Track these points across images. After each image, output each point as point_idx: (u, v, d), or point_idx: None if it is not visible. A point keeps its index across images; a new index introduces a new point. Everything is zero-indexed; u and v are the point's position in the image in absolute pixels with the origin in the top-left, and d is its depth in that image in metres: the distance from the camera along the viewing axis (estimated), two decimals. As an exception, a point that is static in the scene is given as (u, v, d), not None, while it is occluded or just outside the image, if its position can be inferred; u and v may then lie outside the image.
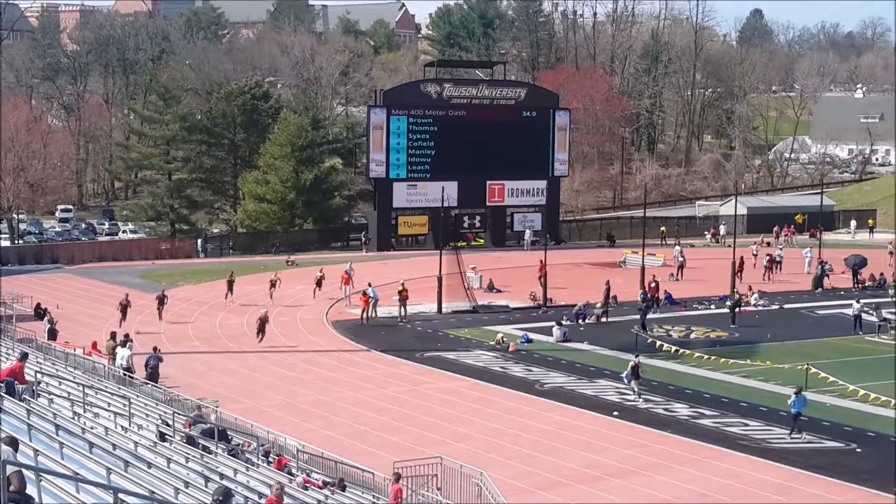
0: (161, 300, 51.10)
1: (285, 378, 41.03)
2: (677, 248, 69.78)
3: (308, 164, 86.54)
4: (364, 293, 51.74)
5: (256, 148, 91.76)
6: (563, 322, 49.02)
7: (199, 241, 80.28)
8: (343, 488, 23.96)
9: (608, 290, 53.74)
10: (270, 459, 25.99)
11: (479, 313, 54.71)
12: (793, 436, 33.14)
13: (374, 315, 51.73)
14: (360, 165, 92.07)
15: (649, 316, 51.72)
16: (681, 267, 64.83)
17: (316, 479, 24.44)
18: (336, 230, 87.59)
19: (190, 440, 24.32)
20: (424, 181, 76.20)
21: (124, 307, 48.85)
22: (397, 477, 24.37)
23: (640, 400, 37.12)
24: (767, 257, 66.28)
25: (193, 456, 21.15)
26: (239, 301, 55.81)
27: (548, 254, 57.72)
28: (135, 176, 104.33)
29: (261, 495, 18.74)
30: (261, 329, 46.14)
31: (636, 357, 38.60)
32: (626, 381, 37.70)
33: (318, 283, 56.68)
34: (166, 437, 23.51)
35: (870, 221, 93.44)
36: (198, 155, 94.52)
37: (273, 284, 55.39)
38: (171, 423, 25.55)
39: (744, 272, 59.14)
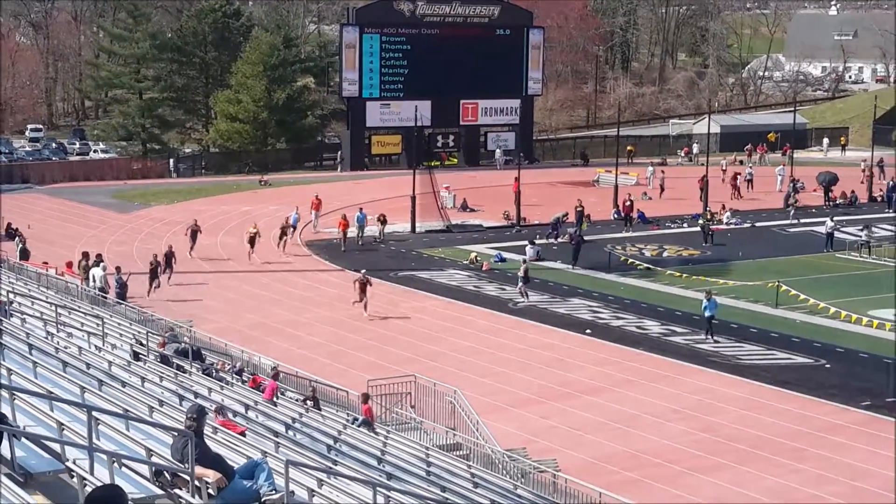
0: (194, 233, 47.13)
1: (259, 298, 41.00)
2: (650, 168, 69.88)
3: (280, 83, 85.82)
4: (343, 217, 50.76)
5: (228, 67, 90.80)
6: (536, 241, 49.09)
7: (172, 160, 79.83)
8: (317, 405, 24.04)
9: (581, 209, 53.67)
10: (245, 378, 26.03)
11: (453, 233, 54.72)
12: (706, 338, 34.43)
13: (360, 236, 51.05)
14: (333, 84, 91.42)
15: (623, 234, 51.96)
16: (662, 187, 64.84)
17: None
18: (309, 150, 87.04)
19: (164, 359, 24.32)
20: (398, 100, 75.68)
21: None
22: (366, 397, 24.45)
23: (528, 301, 39.52)
24: (734, 175, 66.34)
25: (167, 375, 21.15)
26: (218, 227, 55.48)
27: (521, 173, 57.58)
28: (105, 95, 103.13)
29: (235, 413, 18.78)
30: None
31: (524, 262, 41.53)
32: (519, 283, 39.92)
33: (252, 242, 47.41)
34: (140, 356, 23.49)
35: (842, 139, 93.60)
36: (169, 74, 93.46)
37: (252, 241, 47.34)
38: (144, 342, 25.52)
39: (708, 189, 58.82)
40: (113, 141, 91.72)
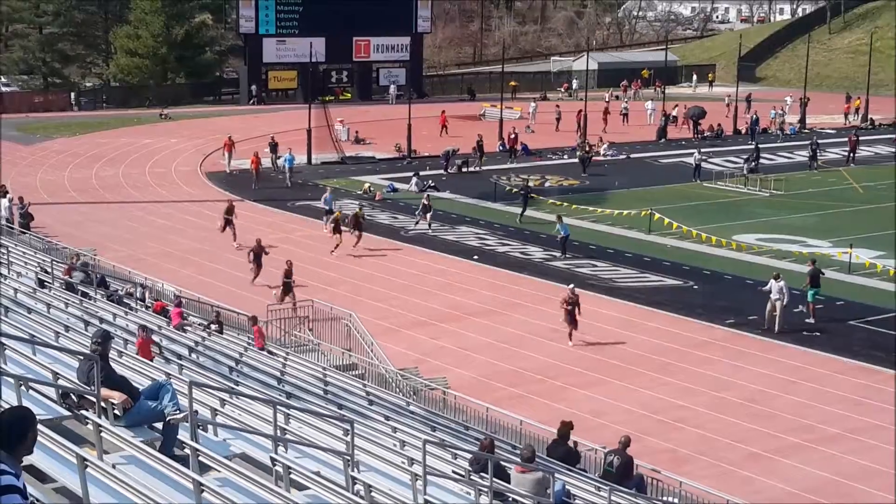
0: (228, 217, 37.77)
1: (161, 227, 40.41)
2: (532, 104, 70.17)
3: (179, 19, 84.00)
4: (255, 154, 48.60)
5: (127, 2, 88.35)
6: (421, 174, 49.05)
7: (73, 94, 77.90)
8: (221, 329, 23.88)
9: (480, 143, 53.82)
10: (148, 304, 25.72)
11: (347, 164, 54.45)
12: (561, 257, 35.80)
13: (289, 178, 48.41)
14: (231, 21, 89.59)
15: (508, 165, 52.23)
16: (558, 119, 65.14)
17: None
18: (208, 85, 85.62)
19: (69, 287, 23.90)
20: (293, 37, 74.66)
21: (258, 255, 34.07)
22: (254, 319, 24.29)
23: (431, 230, 39.83)
24: (605, 109, 66.90)
25: (73, 301, 20.80)
26: (120, 159, 54.34)
27: (412, 107, 57.37)
28: (6, 30, 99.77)
29: (161, 348, 18.58)
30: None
31: (426, 194, 42.25)
32: (418, 215, 40.30)
33: (337, 228, 37.02)
34: (45, 283, 23.06)
35: (710, 76, 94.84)
36: (68, 9, 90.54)
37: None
38: (49, 270, 25.03)
39: (586, 123, 59.23)
40: (14, 75, 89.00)
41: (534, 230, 39.93)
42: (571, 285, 29.00)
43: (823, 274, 30.75)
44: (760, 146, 54.42)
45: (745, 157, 52.43)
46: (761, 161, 52.04)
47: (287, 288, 29.92)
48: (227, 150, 51.41)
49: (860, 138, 57.83)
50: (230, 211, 37.43)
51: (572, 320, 27.76)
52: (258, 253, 32.55)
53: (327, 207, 39.87)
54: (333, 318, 27.12)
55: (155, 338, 18.59)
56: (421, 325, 29.14)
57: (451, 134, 60.92)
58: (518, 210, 41.81)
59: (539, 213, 42.94)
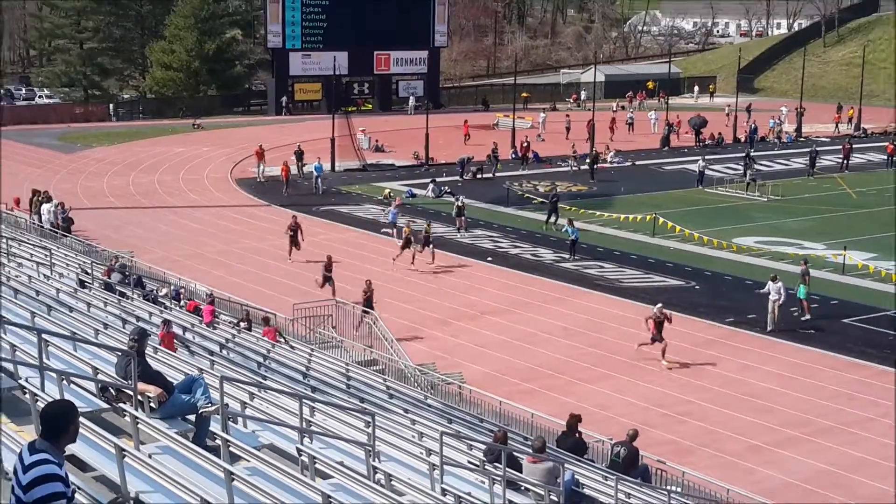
0: (294, 232, 35.64)
1: (194, 231, 40.51)
2: (542, 114, 70.09)
3: (210, 34, 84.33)
4: (285, 163, 48.58)
5: (162, 19, 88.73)
6: (437, 180, 49.02)
7: (111, 105, 78.25)
8: (250, 327, 23.91)
9: (495, 150, 53.95)
10: (182, 303, 25.78)
11: (368, 171, 54.51)
12: (570, 259, 35.69)
13: (318, 186, 47.99)
14: (259, 36, 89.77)
15: (520, 172, 52.19)
16: (568, 128, 65.06)
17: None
18: (237, 96, 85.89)
19: (108, 287, 23.97)
20: (318, 51, 74.80)
21: (294, 234, 35.55)
22: (266, 320, 24.23)
23: (462, 232, 39.78)
24: (612, 119, 66.77)
25: (111, 301, 20.86)
26: (155, 167, 54.42)
27: (429, 117, 57.36)
28: (49, 45, 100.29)
29: (174, 335, 18.61)
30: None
31: (460, 198, 41.79)
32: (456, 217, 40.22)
33: (407, 243, 35.02)
34: (86, 284, 23.12)
35: (710, 87, 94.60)
36: (107, 25, 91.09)
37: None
38: (89, 271, 25.11)
39: (594, 132, 59.09)
40: (56, 87, 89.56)
41: (544, 233, 39.83)
42: (659, 304, 26.79)
43: (808, 275, 30.52)
44: (753, 154, 54.10)
45: (742, 164, 52.17)
46: (757, 167, 51.74)
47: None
48: (258, 159, 50.98)
49: (853, 146, 57.61)
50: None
51: (660, 338, 25.95)
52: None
53: (391, 220, 38.23)
54: (355, 317, 27.13)
55: (189, 335, 18.63)
56: (438, 323, 29.12)
57: (472, 142, 60.88)
58: (537, 216, 41.88)
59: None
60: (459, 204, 40.45)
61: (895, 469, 20.01)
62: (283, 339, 23.15)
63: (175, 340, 17.46)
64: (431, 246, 34.88)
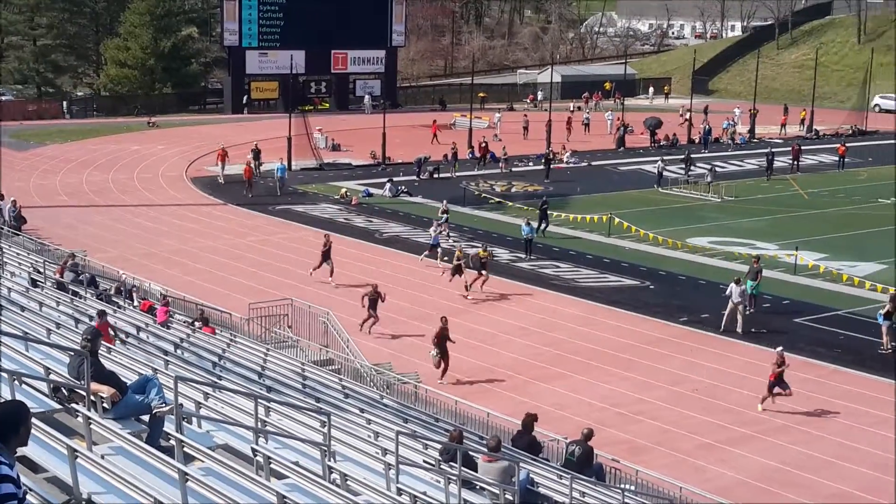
0: (326, 253, 33.08)
1: (149, 230, 40.19)
2: (498, 114, 70.27)
3: (166, 32, 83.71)
4: (248, 164, 48.19)
5: (117, 16, 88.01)
6: (394, 179, 48.99)
7: (65, 103, 77.44)
8: (206, 322, 23.77)
9: (455, 151, 54.03)
10: (136, 303, 25.58)
11: (325, 170, 54.37)
12: (526, 258, 35.57)
13: (280, 187, 47.45)
14: (215, 34, 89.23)
15: (476, 172, 52.29)
16: (526, 128, 65.33)
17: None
18: (193, 94, 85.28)
19: (60, 286, 23.74)
20: (274, 49, 74.53)
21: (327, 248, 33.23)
22: (205, 321, 23.96)
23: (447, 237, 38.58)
24: (568, 119, 67.11)
25: (64, 300, 20.66)
26: (110, 164, 53.89)
27: (386, 116, 57.34)
28: (1, 42, 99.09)
29: (128, 335, 18.48)
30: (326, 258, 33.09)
31: (444, 203, 40.48)
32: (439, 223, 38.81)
33: (459, 270, 32.16)
34: (38, 283, 22.89)
35: (665, 88, 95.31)
36: (61, 22, 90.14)
37: (326, 254, 33.04)
38: (42, 270, 24.85)
39: (551, 132, 59.33)
40: (9, 84, 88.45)
41: (500, 232, 39.93)
42: (780, 348, 24.16)
43: (761, 272, 30.84)
44: (694, 155, 54.49)
45: (683, 165, 52.34)
46: (713, 167, 52.13)
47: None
48: (221, 160, 50.42)
49: (802, 147, 58.29)
50: (326, 245, 32.66)
51: (779, 383, 23.29)
52: (374, 299, 28.18)
53: (433, 243, 35.37)
54: (311, 316, 27.05)
55: (143, 335, 18.50)
56: (394, 322, 29.08)
57: (441, 141, 60.80)
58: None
59: (505, 216, 43.01)
60: (443, 208, 39.53)
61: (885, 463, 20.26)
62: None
63: (110, 331, 17.39)
64: (485, 272, 31.93)
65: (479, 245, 34.58)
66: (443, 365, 24.91)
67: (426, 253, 35.27)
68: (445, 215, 39.13)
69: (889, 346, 27.09)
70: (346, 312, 28.51)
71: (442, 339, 24.98)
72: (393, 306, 30.40)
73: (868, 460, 20.95)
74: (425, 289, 32.44)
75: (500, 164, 54.07)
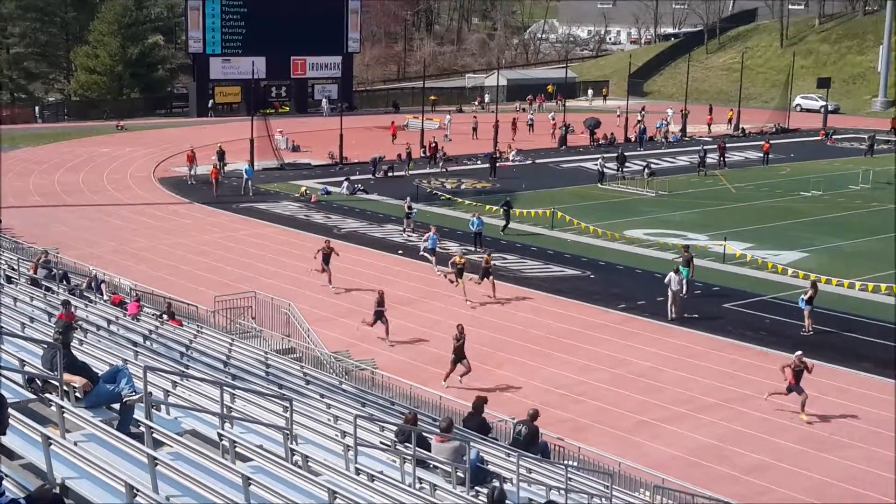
0: (326, 256, 31.43)
1: (118, 228, 39.80)
2: (448, 116, 70.30)
3: (133, 40, 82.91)
4: (214, 166, 47.85)
5: (86, 25, 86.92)
6: (351, 178, 48.87)
7: (37, 108, 76.42)
8: (172, 315, 23.60)
9: (409, 151, 54.01)
10: (106, 297, 25.34)
11: (286, 170, 54.14)
12: (475, 251, 35.22)
13: (247, 188, 46.73)
14: (181, 42, 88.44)
15: (428, 170, 52.32)
16: (475, 129, 65.46)
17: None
18: (160, 99, 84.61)
19: (34, 282, 23.46)
20: (237, 56, 74.03)
21: (326, 255, 31.49)
22: (171, 314, 23.81)
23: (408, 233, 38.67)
24: (513, 120, 67.35)
25: (37, 295, 20.42)
26: (80, 166, 53.28)
27: (343, 119, 57.18)
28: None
29: (99, 327, 18.30)
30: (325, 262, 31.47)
31: (408, 200, 40.28)
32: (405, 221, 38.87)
33: (460, 274, 30.70)
34: (12, 279, 22.60)
35: (604, 90, 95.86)
36: (33, 31, 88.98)
37: (326, 259, 31.41)
38: (16, 267, 24.55)
39: (497, 132, 59.45)
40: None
41: (451, 227, 39.98)
42: (799, 352, 22.65)
43: (693, 259, 31.18)
44: (627, 153, 54.87)
45: (616, 163, 52.55)
46: (627, 165, 52.40)
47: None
48: (190, 161, 49.73)
49: (727, 145, 58.94)
50: (326, 254, 30.98)
51: (800, 389, 22.09)
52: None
53: (432, 247, 33.79)
54: (274, 308, 26.96)
55: (113, 328, 18.33)
56: (351, 312, 29.03)
57: (388, 143, 60.74)
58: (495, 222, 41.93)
59: (455, 211, 43.05)
60: (407, 206, 39.27)
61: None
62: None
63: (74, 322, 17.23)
64: (491, 277, 30.69)
65: (485, 252, 33.13)
66: (454, 368, 23.55)
67: (434, 263, 33.47)
68: (412, 212, 39.06)
69: (811, 329, 27.50)
70: (307, 304, 28.44)
71: (459, 348, 23.56)
72: (349, 296, 30.40)
73: (789, 434, 21.29)
74: (380, 280, 32.37)
75: (439, 164, 54.10)
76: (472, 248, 36.18)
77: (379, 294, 26.88)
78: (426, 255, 33.96)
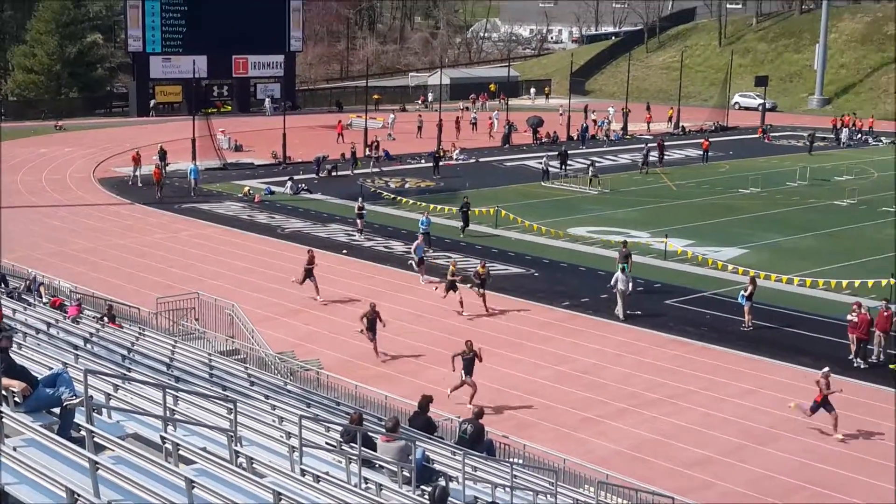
0: (309, 269, 30.17)
1: (57, 229, 39.22)
2: (392, 115, 70.29)
3: (72, 38, 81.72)
4: (157, 166, 47.31)
5: (23, 24, 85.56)
6: (295, 178, 48.64)
7: (-27, 108, 75.09)
8: (112, 318, 23.32)
9: (353, 150, 53.84)
10: (45, 300, 24.97)
11: (229, 170, 53.72)
12: (425, 249, 34.71)
13: (194, 188, 46.51)
14: (120, 41, 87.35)
15: (370, 170, 52.27)
16: (420, 127, 65.49)
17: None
18: (99, 98, 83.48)
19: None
20: (178, 55, 73.21)
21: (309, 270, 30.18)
22: (112, 317, 23.54)
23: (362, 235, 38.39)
24: (457, 118, 67.53)
25: (-25, 300, 20.05)
26: (17, 167, 52.44)
27: (286, 118, 56.89)
28: None
29: (38, 331, 18.03)
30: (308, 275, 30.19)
31: (360, 200, 39.77)
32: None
33: (453, 287, 29.35)
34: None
35: (546, 89, 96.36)
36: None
37: (309, 270, 30.12)
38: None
39: (441, 131, 59.54)
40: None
41: (395, 226, 39.94)
42: (826, 368, 21.58)
43: (631, 256, 31.50)
44: (570, 151, 55.29)
45: (558, 161, 52.82)
46: (569, 163, 52.76)
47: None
48: (135, 162, 49.05)
49: (665, 143, 59.61)
50: (311, 262, 30.18)
51: (830, 408, 21.03)
52: (372, 319, 25.51)
53: (418, 257, 32.81)
54: (217, 309, 26.74)
55: (52, 331, 18.06)
56: (296, 312, 28.94)
57: (328, 142, 60.50)
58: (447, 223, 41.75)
59: (399, 210, 43.03)
60: (359, 207, 38.75)
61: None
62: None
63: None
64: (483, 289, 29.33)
65: (480, 262, 31.41)
66: (463, 383, 22.45)
67: (421, 272, 32.46)
68: (364, 212, 38.87)
69: (750, 324, 27.91)
70: (250, 305, 28.25)
71: (469, 359, 22.42)
72: (293, 296, 30.24)
73: (730, 428, 21.59)
74: (324, 280, 32.23)
75: (371, 164, 53.90)
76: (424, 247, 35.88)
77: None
78: (413, 264, 33.21)
